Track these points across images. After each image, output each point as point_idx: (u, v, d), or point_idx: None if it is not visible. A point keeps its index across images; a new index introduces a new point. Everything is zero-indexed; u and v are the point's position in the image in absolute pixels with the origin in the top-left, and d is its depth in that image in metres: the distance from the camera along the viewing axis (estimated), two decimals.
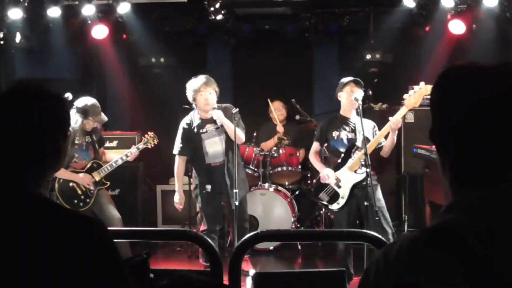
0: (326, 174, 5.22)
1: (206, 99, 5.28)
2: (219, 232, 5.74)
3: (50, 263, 1.38)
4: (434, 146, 4.05)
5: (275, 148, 6.77)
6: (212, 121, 5.36)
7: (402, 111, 5.01)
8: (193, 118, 5.49)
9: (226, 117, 5.31)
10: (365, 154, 4.87)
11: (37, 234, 1.40)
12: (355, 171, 5.16)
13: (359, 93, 5.13)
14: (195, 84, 5.29)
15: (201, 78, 5.29)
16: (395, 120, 4.96)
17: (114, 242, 1.49)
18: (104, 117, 5.48)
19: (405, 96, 5.00)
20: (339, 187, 5.23)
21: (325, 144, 5.47)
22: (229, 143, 5.40)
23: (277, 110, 7.23)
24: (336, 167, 5.27)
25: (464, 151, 1.15)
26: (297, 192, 6.83)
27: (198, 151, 5.42)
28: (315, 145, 5.45)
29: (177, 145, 5.50)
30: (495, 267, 1.00)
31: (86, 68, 8.30)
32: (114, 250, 1.47)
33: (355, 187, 5.19)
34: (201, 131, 5.41)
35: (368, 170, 4.92)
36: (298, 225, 6.69)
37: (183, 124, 5.52)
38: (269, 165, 6.70)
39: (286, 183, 6.83)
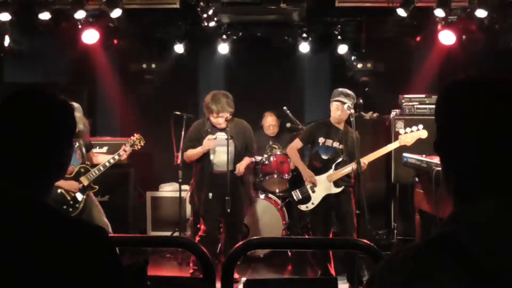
0: (309, 177, 5.35)
1: (218, 122, 5.47)
2: (215, 236, 5.83)
3: (53, 270, 1.39)
4: (424, 155, 4.08)
5: (266, 156, 6.81)
6: (223, 130, 5.46)
7: (394, 145, 5.39)
8: (205, 121, 5.64)
9: (236, 131, 5.54)
10: (358, 163, 4.99)
11: (40, 241, 1.41)
12: (334, 183, 5.33)
13: (349, 102, 5.25)
14: (212, 106, 5.43)
15: (219, 104, 5.43)
16: (382, 154, 5.36)
17: (116, 250, 1.51)
18: (84, 121, 5.46)
19: (401, 131, 5.40)
20: (313, 191, 5.40)
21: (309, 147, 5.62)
22: (238, 156, 5.56)
23: (268, 129, 7.33)
24: (316, 172, 5.41)
25: (471, 163, 1.16)
26: (287, 200, 6.86)
27: (204, 155, 5.52)
28: (298, 143, 5.59)
29: (186, 144, 5.66)
30: (501, 276, 1.03)
31: (76, 73, 8.27)
32: (116, 257, 1.49)
33: (329, 196, 5.36)
34: (212, 137, 5.51)
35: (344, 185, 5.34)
36: (288, 233, 6.72)
37: (194, 124, 5.71)
38: (260, 172, 6.73)
39: (277, 191, 6.86)
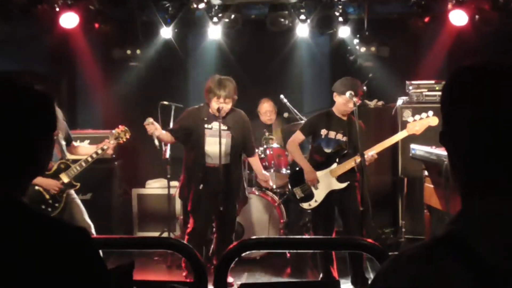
0: (312, 180, 5.37)
1: (221, 108, 5.43)
2: (206, 235, 5.84)
3: (32, 275, 1.39)
4: (434, 147, 4.11)
5: (262, 148, 6.80)
6: (222, 120, 5.45)
7: (402, 134, 5.37)
8: (201, 109, 5.60)
9: (233, 122, 5.56)
10: (362, 155, 5.00)
11: (18, 245, 1.41)
12: (338, 179, 5.34)
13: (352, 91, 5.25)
14: (220, 91, 5.41)
15: (227, 89, 5.42)
16: (389, 145, 5.34)
17: (100, 253, 1.51)
18: (59, 112, 5.43)
19: (409, 119, 5.34)
20: (316, 188, 5.42)
21: (310, 140, 5.62)
22: (235, 149, 5.54)
23: (264, 115, 7.33)
24: (317, 167, 5.42)
25: (478, 156, 1.17)
26: (285, 196, 6.87)
27: (198, 146, 5.50)
28: (299, 136, 5.57)
29: (173, 125, 5.66)
30: (508, 277, 1.05)
31: (55, 60, 8.24)
32: (100, 261, 1.50)
33: (332, 193, 5.36)
34: (206, 126, 5.50)
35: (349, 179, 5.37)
36: (287, 232, 6.73)
37: (189, 111, 5.67)
38: None
39: (274, 187, 6.86)
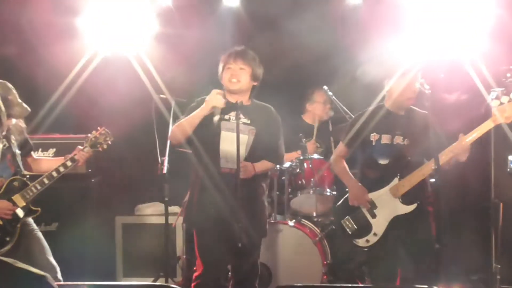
0: (359, 197, 5.38)
1: (232, 75, 5.45)
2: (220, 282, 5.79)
3: None
4: None
5: (297, 159, 6.77)
6: (242, 110, 5.42)
7: (486, 126, 5.15)
8: (215, 97, 5.56)
9: (257, 115, 5.54)
10: (437, 163, 4.90)
11: None
12: (401, 199, 5.25)
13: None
14: (224, 56, 5.52)
15: (234, 49, 5.52)
16: (465, 146, 5.14)
17: None
18: (25, 108, 5.45)
19: (493, 103, 5.09)
20: (374, 216, 5.36)
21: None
22: (255, 153, 5.50)
23: (323, 106, 7.36)
24: (372, 186, 5.37)
25: None
26: (330, 228, 6.84)
27: (211, 144, 5.46)
28: (342, 150, 5.63)
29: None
30: None
31: (3, 34, 8.29)
32: None
33: (397, 219, 5.27)
34: (223, 116, 5.47)
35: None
36: (332, 278, 6.70)
37: (199, 101, 5.62)
38: (287, 186, 6.71)
39: (314, 214, 6.87)
